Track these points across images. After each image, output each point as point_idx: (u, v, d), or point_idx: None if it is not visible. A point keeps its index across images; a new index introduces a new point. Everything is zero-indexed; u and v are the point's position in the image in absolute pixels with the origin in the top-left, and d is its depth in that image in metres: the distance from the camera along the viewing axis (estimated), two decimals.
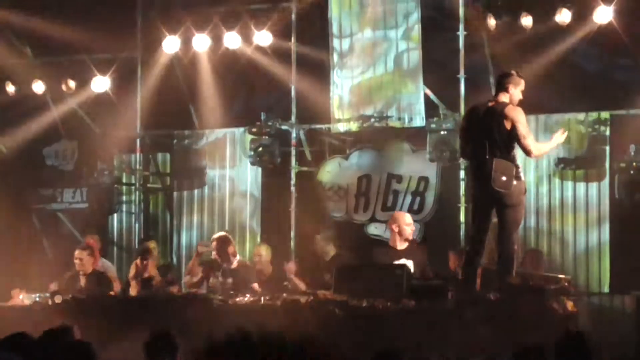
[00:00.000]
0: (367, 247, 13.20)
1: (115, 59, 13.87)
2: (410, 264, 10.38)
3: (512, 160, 9.31)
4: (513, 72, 9.69)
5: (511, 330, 9.00)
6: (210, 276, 11.27)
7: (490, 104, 9.47)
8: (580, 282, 12.05)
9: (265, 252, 12.48)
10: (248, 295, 10.72)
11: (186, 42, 13.57)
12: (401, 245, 10.62)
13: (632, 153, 12.33)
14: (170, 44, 13.65)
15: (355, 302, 9.87)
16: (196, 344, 6.96)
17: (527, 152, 9.42)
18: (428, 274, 10.81)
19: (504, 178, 9.25)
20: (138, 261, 11.84)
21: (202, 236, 13.71)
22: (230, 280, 11.25)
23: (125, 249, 14.56)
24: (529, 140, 9.32)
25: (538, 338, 8.46)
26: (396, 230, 10.74)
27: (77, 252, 11.78)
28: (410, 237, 10.77)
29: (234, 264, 11.48)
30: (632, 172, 12.30)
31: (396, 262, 10.50)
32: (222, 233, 12.26)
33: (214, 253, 11.62)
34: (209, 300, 10.54)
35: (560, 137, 9.65)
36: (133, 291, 11.56)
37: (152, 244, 12.93)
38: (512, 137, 9.24)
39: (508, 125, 9.25)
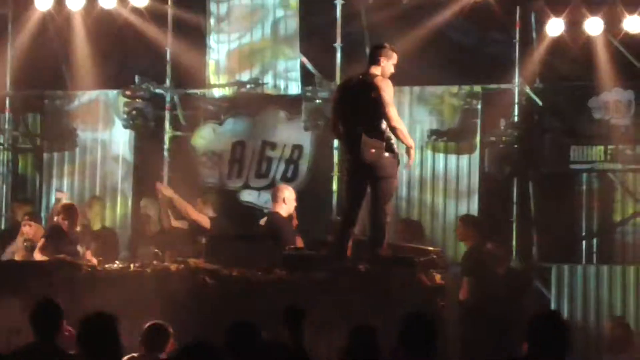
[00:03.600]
0: (240, 214, 13.36)
1: None
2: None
3: (383, 132, 9.37)
4: (386, 45, 9.82)
5: (381, 302, 9.22)
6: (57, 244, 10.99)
7: (361, 76, 9.58)
8: (449, 252, 12.24)
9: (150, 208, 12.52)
10: (117, 262, 10.55)
11: (60, 0, 13.36)
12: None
13: (502, 127, 12.67)
14: (43, 2, 13.38)
15: (226, 272, 9.91)
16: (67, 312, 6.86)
17: (388, 119, 9.43)
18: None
19: (372, 150, 9.38)
20: (26, 226, 11.49)
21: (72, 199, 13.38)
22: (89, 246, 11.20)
23: None
24: (391, 109, 9.40)
25: (406, 310, 8.86)
26: (285, 202, 10.95)
27: None
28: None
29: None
30: (501, 145, 12.68)
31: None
32: (68, 202, 12.20)
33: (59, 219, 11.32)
34: (77, 267, 10.36)
35: (412, 153, 9.80)
36: (18, 256, 11.23)
37: (28, 207, 12.72)
38: (381, 109, 9.40)
39: (377, 98, 9.37)
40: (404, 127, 9.61)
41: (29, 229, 11.40)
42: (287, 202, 10.79)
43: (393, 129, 9.37)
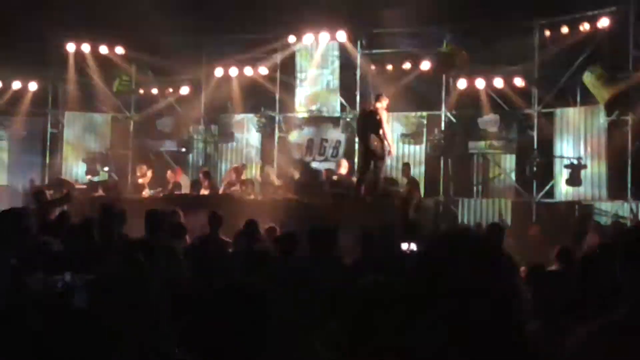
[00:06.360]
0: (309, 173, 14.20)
1: None
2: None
3: (380, 136, 10.97)
4: (382, 93, 11.64)
5: (377, 214, 9.72)
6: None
7: (370, 108, 11.24)
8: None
9: (271, 171, 13.58)
10: (260, 197, 12.37)
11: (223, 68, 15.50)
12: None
13: (436, 133, 14.42)
14: (219, 70, 14.64)
15: (303, 200, 10.97)
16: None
17: (382, 132, 10.24)
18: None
19: (375, 143, 10.91)
20: (230, 177, 13.13)
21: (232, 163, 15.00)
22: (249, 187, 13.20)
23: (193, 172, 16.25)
24: (385, 126, 10.45)
25: (385, 218, 9.19)
26: (346, 169, 12.32)
27: (168, 174, 14.03)
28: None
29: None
30: (435, 141, 14.47)
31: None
32: (237, 165, 14.12)
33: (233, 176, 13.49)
34: (242, 197, 11.81)
35: (392, 150, 10.73)
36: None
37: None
38: (380, 126, 10.90)
39: (378, 120, 10.82)
40: (390, 136, 10.86)
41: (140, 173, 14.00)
42: (346, 169, 12.44)
43: (384, 136, 10.85)
